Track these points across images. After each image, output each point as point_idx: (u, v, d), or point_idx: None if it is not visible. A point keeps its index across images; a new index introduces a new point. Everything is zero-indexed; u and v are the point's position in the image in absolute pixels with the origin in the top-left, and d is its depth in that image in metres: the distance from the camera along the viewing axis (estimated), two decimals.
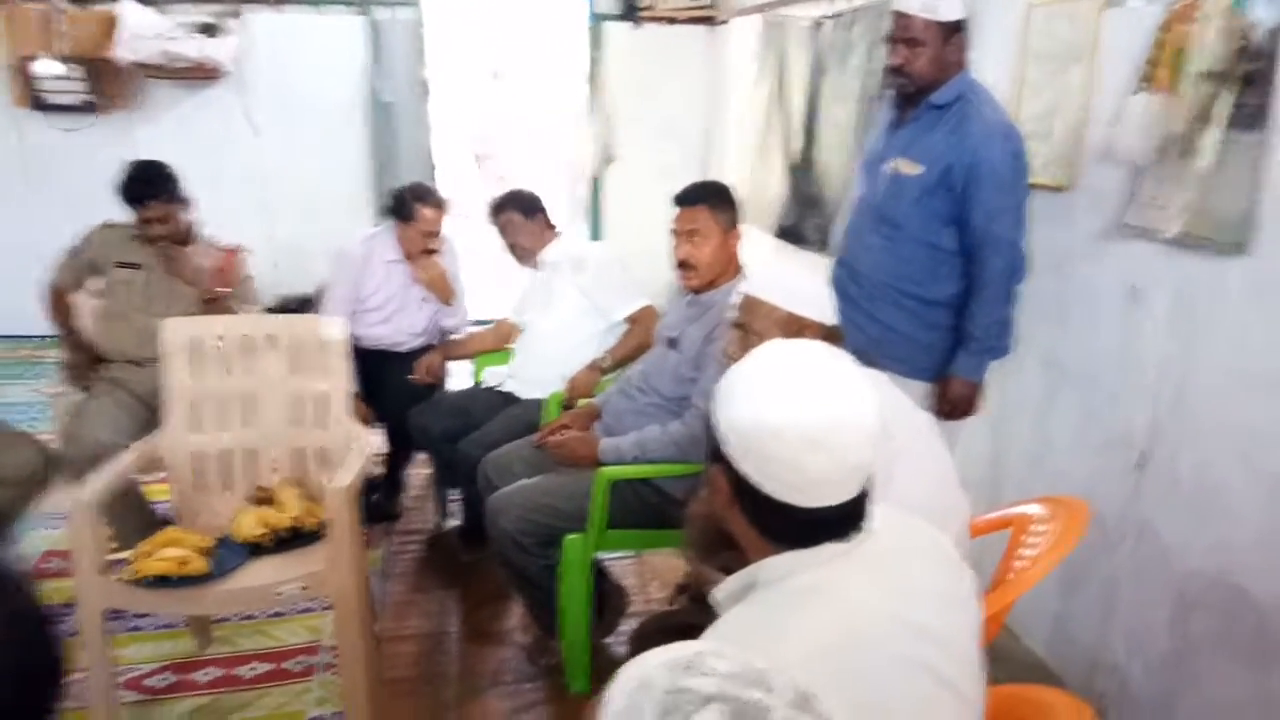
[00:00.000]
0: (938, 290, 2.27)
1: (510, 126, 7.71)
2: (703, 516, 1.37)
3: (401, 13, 5.09)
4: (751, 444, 1.05)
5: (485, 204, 3.10)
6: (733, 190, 2.36)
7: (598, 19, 5.20)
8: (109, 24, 4.75)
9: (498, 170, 7.49)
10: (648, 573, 2.91)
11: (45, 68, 4.77)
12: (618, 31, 5.20)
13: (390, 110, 5.12)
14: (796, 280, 1.77)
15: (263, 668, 2.40)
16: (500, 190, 3.13)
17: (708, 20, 5.21)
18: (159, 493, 2.81)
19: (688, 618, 1.80)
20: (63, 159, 4.95)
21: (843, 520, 1.09)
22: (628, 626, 2.55)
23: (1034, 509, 1.74)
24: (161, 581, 1.96)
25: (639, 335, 2.84)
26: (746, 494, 1.07)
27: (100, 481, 2.10)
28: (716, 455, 1.10)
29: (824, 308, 1.73)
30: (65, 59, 4.78)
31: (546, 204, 3.06)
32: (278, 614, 2.60)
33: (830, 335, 1.72)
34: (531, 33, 6.56)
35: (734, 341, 1.77)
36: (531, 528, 2.23)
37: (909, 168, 2.22)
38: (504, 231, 2.99)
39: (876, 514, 1.16)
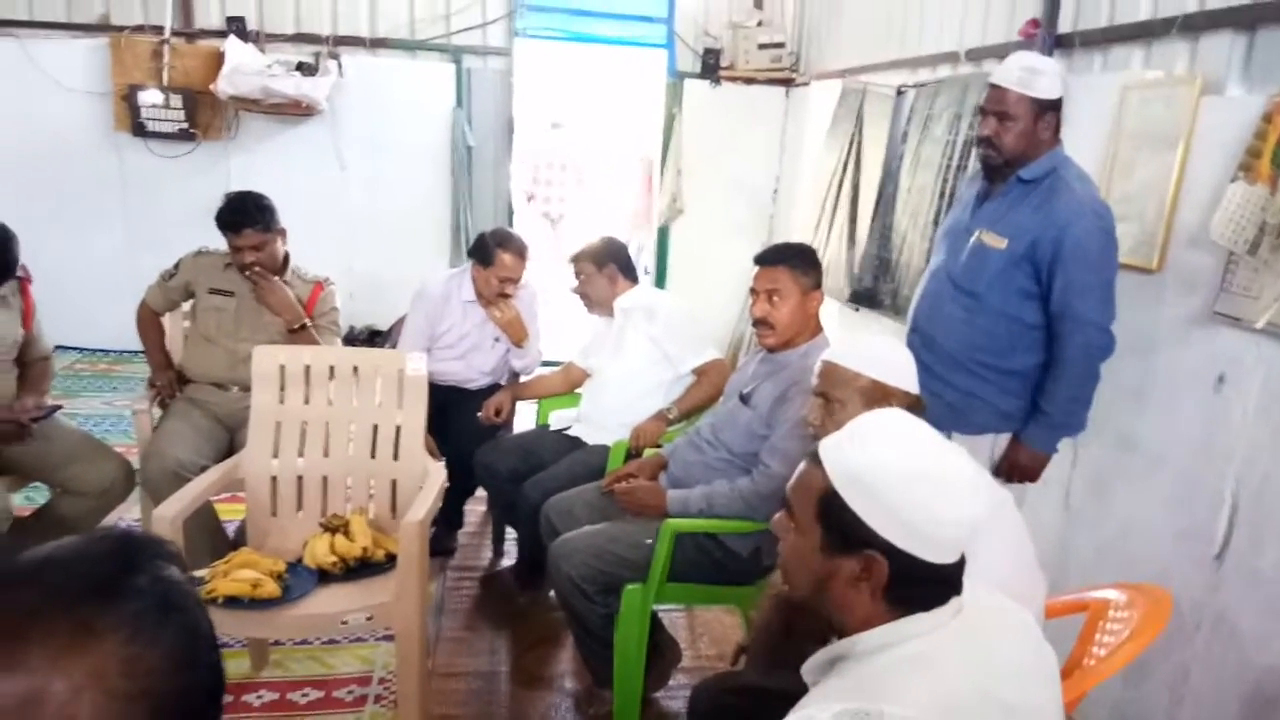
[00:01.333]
0: (1016, 361, 2.26)
1: (571, 174, 7.86)
2: (781, 612, 1.38)
3: (493, 61, 5.27)
4: (899, 510, 1.06)
5: (552, 254, 3.17)
6: (815, 253, 2.38)
7: (678, 76, 5.32)
8: (214, 59, 4.99)
9: (549, 211, 7.64)
10: (699, 627, 2.89)
11: (148, 96, 5.02)
12: (696, 89, 5.31)
13: (473, 154, 5.28)
14: (879, 348, 1.78)
15: (315, 694, 2.43)
16: (577, 240, 3.20)
17: (787, 82, 5.29)
18: (226, 512, 2.90)
19: (748, 679, 1.78)
20: (159, 184, 5.17)
21: (952, 581, 1.10)
22: (678, 681, 2.53)
23: (1113, 594, 1.70)
24: (233, 602, 2.01)
25: (707, 388, 2.86)
26: (898, 566, 1.06)
27: (182, 500, 2.17)
28: (852, 543, 1.08)
29: (907, 376, 1.74)
30: (168, 89, 5.03)
31: (626, 253, 3.10)
32: (332, 641, 2.63)
33: (914, 405, 1.73)
34: (609, 87, 6.73)
35: (815, 410, 1.77)
36: (594, 574, 2.24)
37: (994, 240, 2.22)
38: (577, 279, 3.04)
39: (966, 587, 1.16)
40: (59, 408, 2.68)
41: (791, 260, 2.31)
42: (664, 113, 5.37)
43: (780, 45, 5.16)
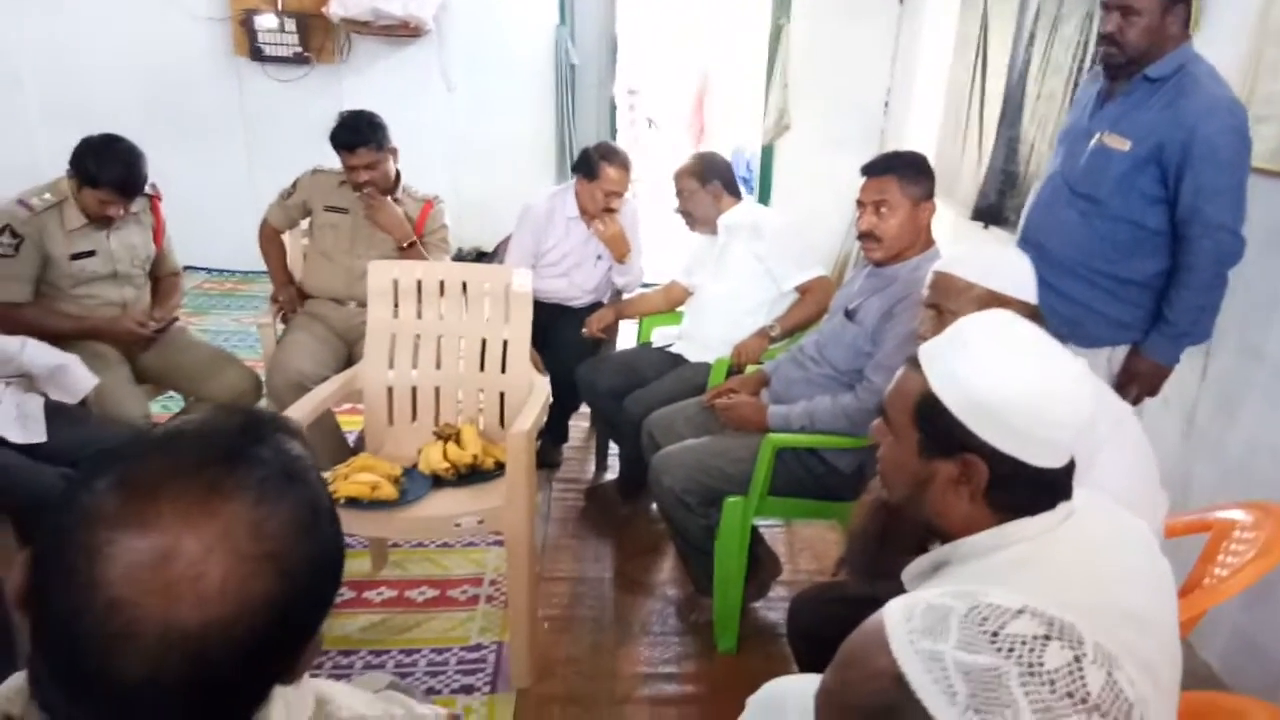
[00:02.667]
0: (1136, 269, 2.16)
1: (675, 89, 7.72)
2: (876, 520, 1.37)
3: None
4: (1001, 412, 1.04)
5: (655, 170, 3.14)
6: (927, 161, 2.29)
7: None
8: None
9: (665, 128, 7.53)
10: (798, 542, 2.91)
11: (264, 21, 5.14)
12: None
13: (576, 71, 5.24)
14: (995, 256, 1.71)
15: (431, 593, 2.57)
16: (678, 157, 3.16)
17: None
18: (347, 422, 3.04)
19: (847, 589, 1.79)
20: (277, 107, 5.32)
21: (1058, 486, 1.08)
22: (777, 593, 2.57)
23: (1238, 514, 1.63)
24: (353, 503, 2.12)
25: (810, 305, 2.82)
26: (998, 469, 1.05)
27: (304, 408, 2.29)
28: (950, 446, 1.07)
29: (1025, 284, 1.66)
30: (282, 13, 5.13)
31: (730, 170, 3.05)
32: (445, 545, 2.76)
33: (1032, 316, 1.66)
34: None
35: (926, 321, 1.73)
36: (695, 487, 2.27)
37: (1116, 142, 2.12)
38: (679, 197, 3.01)
39: (1079, 495, 1.13)
40: (175, 320, 2.85)
41: (900, 169, 2.23)
42: (770, 25, 5.19)
43: None
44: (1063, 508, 1.07)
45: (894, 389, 1.15)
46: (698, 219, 3.02)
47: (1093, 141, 2.17)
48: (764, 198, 5.45)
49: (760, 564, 2.51)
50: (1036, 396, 1.03)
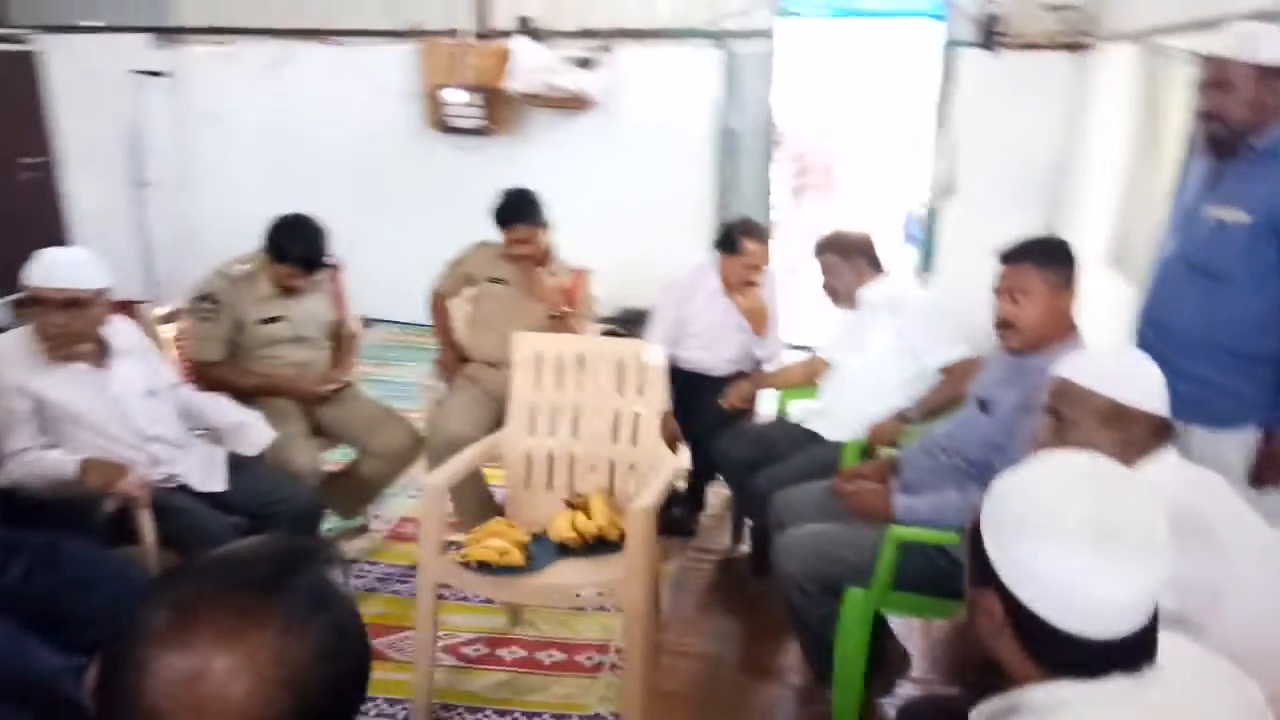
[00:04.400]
0: (1263, 344, 2.09)
1: (840, 153, 7.69)
2: (962, 638, 1.33)
3: (756, 44, 5.28)
4: (1031, 565, 1.00)
5: (810, 238, 3.15)
6: (1068, 247, 2.21)
7: (952, 45, 5.02)
8: (504, 58, 5.43)
9: (822, 195, 7.51)
10: (934, 638, 2.79)
11: (452, 95, 5.57)
12: (972, 59, 4.99)
13: (735, 138, 5.35)
14: (1121, 362, 1.63)
15: (558, 656, 2.65)
16: (825, 228, 3.16)
17: (1074, 47, 4.82)
18: (497, 477, 3.21)
19: (957, 704, 1.72)
20: (460, 174, 5.70)
21: (1130, 651, 1.01)
22: (906, 691, 2.48)
23: None
24: (483, 567, 2.25)
25: (953, 387, 2.73)
26: (1021, 619, 1.02)
27: (451, 469, 2.46)
28: (985, 578, 1.06)
29: (1152, 393, 1.57)
30: (468, 88, 5.55)
31: (872, 244, 3.03)
32: (579, 609, 2.84)
33: (1161, 429, 1.57)
34: (874, 62, 6.50)
35: (1045, 429, 1.66)
36: (815, 574, 2.25)
37: (1235, 215, 2.09)
38: (823, 271, 3.01)
39: (1169, 648, 1.07)
40: (349, 384, 3.11)
41: (1039, 256, 2.16)
42: (938, 86, 5.10)
43: (1069, 6, 4.71)
44: (1129, 678, 1.00)
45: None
46: (841, 294, 3.01)
47: (1209, 218, 2.14)
48: (927, 263, 5.32)
49: (887, 658, 2.44)
50: (1076, 560, 0.96)
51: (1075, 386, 1.60)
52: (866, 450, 2.72)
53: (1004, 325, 2.18)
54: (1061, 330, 2.17)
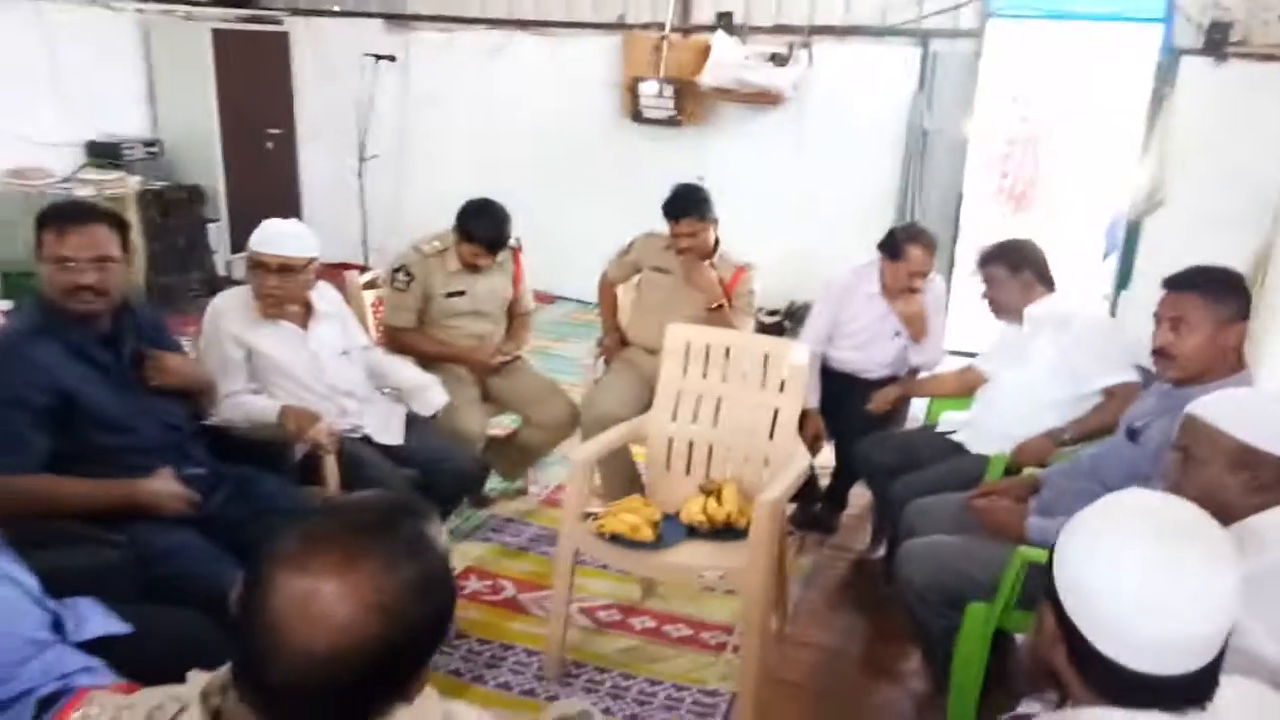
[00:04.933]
0: None
1: (1045, 160, 7.28)
2: (1032, 645, 1.35)
3: (961, 44, 5.15)
4: (1086, 591, 1.04)
5: (978, 251, 3.09)
6: (1240, 278, 2.09)
7: (1173, 53, 4.69)
8: (702, 52, 5.56)
9: (1023, 204, 7.16)
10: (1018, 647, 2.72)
11: (648, 88, 5.77)
12: (1194, 66, 4.63)
13: (929, 139, 5.23)
14: (1256, 403, 1.57)
15: (685, 631, 2.79)
16: (995, 239, 3.09)
17: None
18: (642, 457, 3.37)
19: None
20: (650, 163, 5.89)
21: (1175, 691, 1.03)
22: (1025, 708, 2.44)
23: None
24: (615, 539, 2.42)
25: (1113, 412, 2.61)
26: (1074, 639, 1.06)
27: (597, 445, 2.65)
28: (1050, 592, 1.11)
29: None
30: (663, 80, 5.72)
31: (1044, 259, 2.93)
32: (710, 589, 2.96)
33: None
34: (1084, 67, 6.12)
35: (1173, 464, 1.63)
36: (937, 585, 2.26)
37: None
38: (987, 284, 2.95)
39: (1235, 693, 1.07)
40: (519, 357, 3.36)
41: (1205, 286, 2.06)
42: (1150, 94, 4.78)
43: None
44: (1191, 713, 1.01)
45: None
46: (1003, 307, 2.94)
47: None
48: (1124, 281, 5.01)
49: (1008, 676, 2.41)
50: (1137, 608, 0.99)
51: (1205, 425, 1.56)
52: (1012, 468, 2.67)
53: (1161, 354, 2.11)
54: (1225, 365, 2.07)
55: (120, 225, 2.11)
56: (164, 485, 2.06)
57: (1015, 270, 2.88)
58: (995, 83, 5.62)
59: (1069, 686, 1.10)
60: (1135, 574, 1.00)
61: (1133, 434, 2.17)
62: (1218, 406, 1.57)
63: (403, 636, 0.86)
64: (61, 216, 2.03)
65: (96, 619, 1.58)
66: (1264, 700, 1.11)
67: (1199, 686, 1.02)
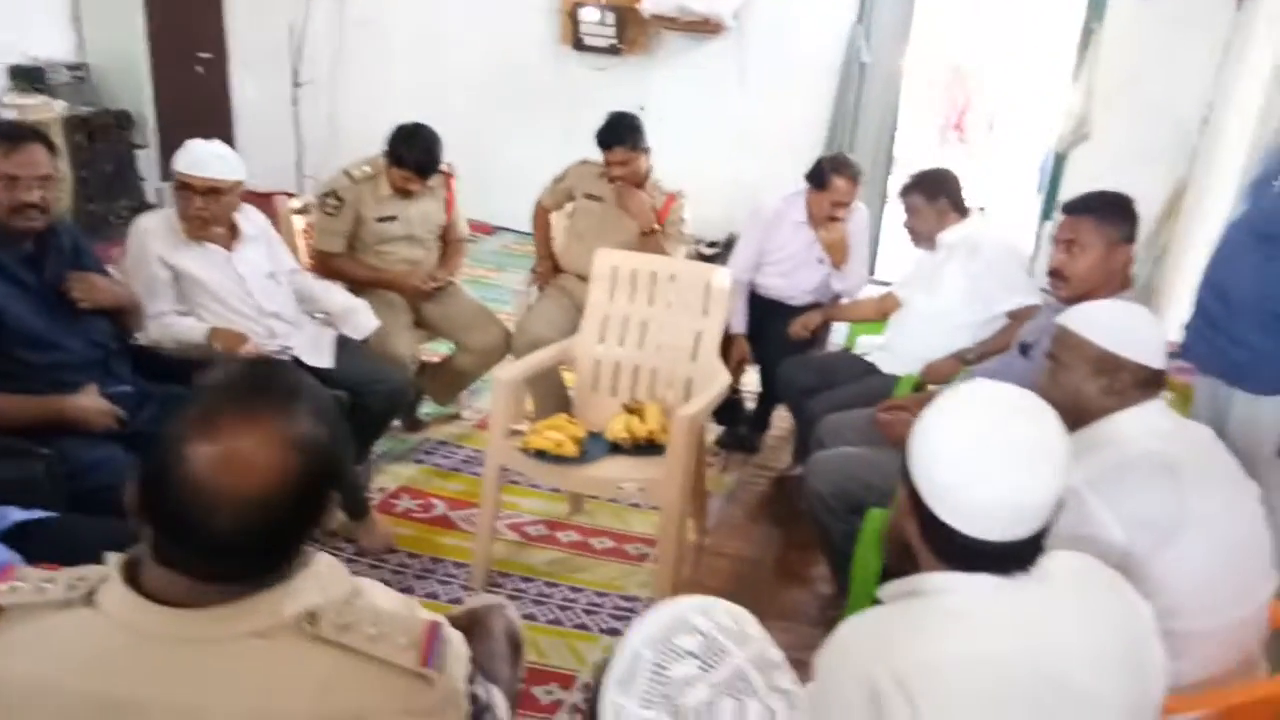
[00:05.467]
0: None
1: (979, 95, 7.38)
2: (893, 521, 1.47)
3: None
4: (929, 463, 1.16)
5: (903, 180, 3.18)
6: (1131, 203, 2.21)
7: None
8: None
9: (962, 137, 7.28)
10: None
11: (588, 14, 5.72)
12: (1123, 1, 4.73)
13: (865, 71, 5.28)
14: (1121, 315, 1.69)
15: (609, 544, 2.91)
16: (914, 169, 3.19)
17: None
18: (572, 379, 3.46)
19: None
20: (588, 92, 5.86)
21: (1003, 557, 1.15)
22: None
23: None
24: (540, 454, 2.51)
25: (1015, 332, 2.77)
26: (921, 508, 1.18)
27: (522, 367, 2.72)
28: (904, 470, 1.22)
29: (1147, 349, 1.63)
30: (603, 7, 5.67)
31: (958, 186, 3.04)
32: (635, 505, 3.08)
33: (1150, 380, 1.64)
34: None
35: (1045, 372, 1.75)
36: (840, 492, 2.39)
37: None
38: (907, 213, 3.04)
39: (1065, 562, 1.20)
40: (451, 282, 3.40)
41: (1100, 210, 2.18)
42: (1080, 28, 4.88)
43: None
44: (1017, 576, 1.14)
45: None
46: (921, 235, 3.05)
47: (1277, 184, 2.09)
48: (1049, 210, 5.17)
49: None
50: (971, 476, 1.11)
51: (1072, 334, 1.68)
52: (919, 387, 2.80)
53: (1055, 275, 2.23)
54: (1115, 284, 2.20)
55: (50, 147, 2.15)
56: (90, 401, 2.10)
57: (931, 198, 2.99)
58: (931, 15, 5.66)
59: (919, 557, 1.23)
60: (969, 444, 1.12)
61: (1024, 349, 2.30)
62: (1085, 316, 1.69)
63: (318, 462, 0.95)
64: (4, 134, 2.09)
65: (15, 513, 1.64)
66: (1089, 567, 1.24)
67: (1026, 552, 1.15)
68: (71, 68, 5.60)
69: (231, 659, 0.93)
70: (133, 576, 0.95)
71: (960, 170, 3.16)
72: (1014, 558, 1.15)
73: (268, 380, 0.98)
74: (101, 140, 5.39)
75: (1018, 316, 2.80)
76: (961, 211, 3.01)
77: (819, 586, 2.78)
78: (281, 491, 0.92)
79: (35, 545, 1.61)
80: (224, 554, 0.93)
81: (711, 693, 0.88)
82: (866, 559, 2.38)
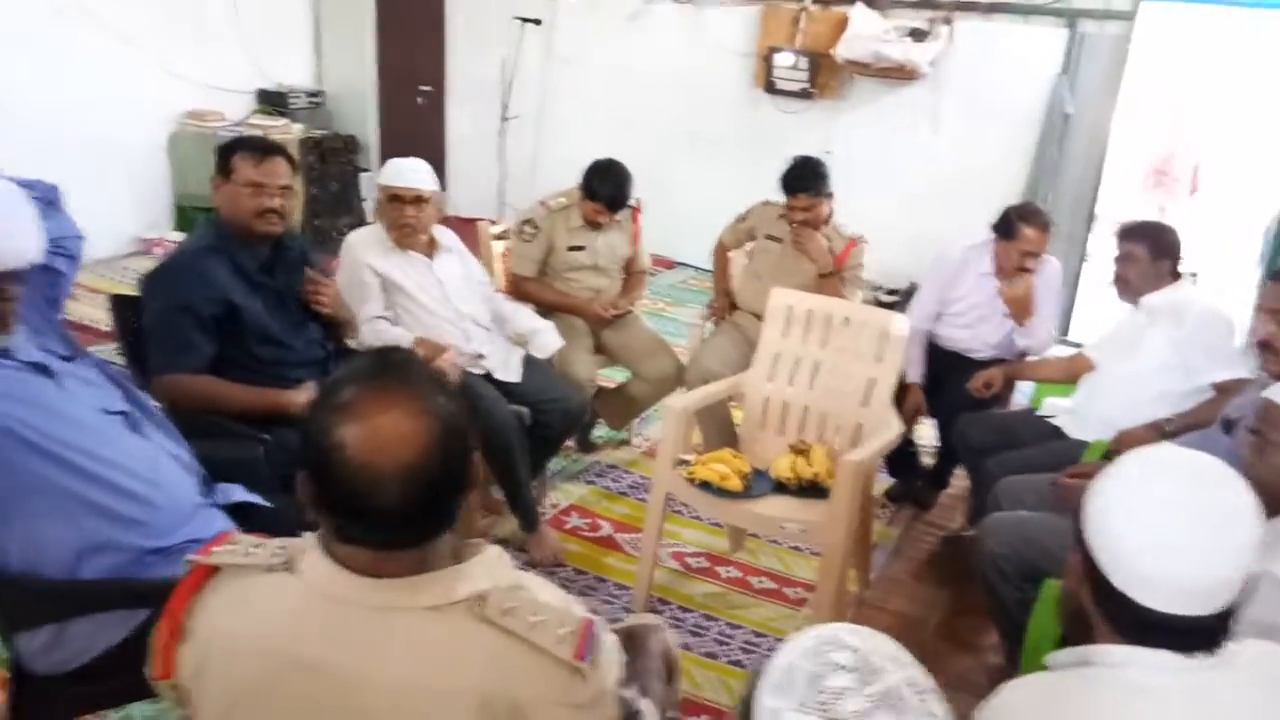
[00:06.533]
0: None
1: (1201, 153, 6.85)
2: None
3: (1110, 26, 4.96)
4: (1108, 531, 1.12)
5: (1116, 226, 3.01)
6: None
7: None
8: (839, 24, 5.55)
9: (1177, 195, 6.79)
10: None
11: (783, 59, 5.80)
12: None
13: (1069, 122, 5.08)
14: None
15: (769, 584, 2.91)
16: (1138, 217, 3.01)
17: None
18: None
19: None
20: (779, 134, 5.93)
21: (1188, 633, 1.10)
22: None
23: None
24: (705, 486, 2.56)
25: (1221, 406, 2.58)
26: (1096, 575, 1.14)
27: (694, 398, 2.79)
28: (1078, 534, 1.18)
29: None
30: (798, 52, 5.74)
31: (1180, 249, 2.83)
32: (796, 548, 3.07)
33: None
34: (1245, 57, 5.71)
35: (1247, 447, 1.64)
36: (1016, 556, 2.29)
37: None
38: (1120, 260, 2.86)
39: (1254, 649, 1.13)
40: (631, 312, 3.53)
41: None
42: None
43: None
44: (1199, 656, 1.08)
45: None
46: (1130, 287, 2.85)
47: None
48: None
49: None
50: (1157, 548, 1.06)
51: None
52: (1110, 455, 2.65)
53: (1264, 347, 2.08)
54: None
55: (292, 163, 2.43)
56: (309, 397, 2.32)
57: (1156, 256, 2.77)
58: (1146, 68, 5.36)
59: (1095, 626, 1.18)
60: (1155, 514, 1.08)
61: (1228, 425, 2.15)
62: None
63: (453, 425, 1.04)
64: (256, 147, 2.39)
65: (240, 493, 1.85)
66: (1277, 657, 1.15)
67: (1211, 631, 1.09)
68: (310, 94, 6.23)
69: (409, 630, 1.02)
70: (328, 549, 1.07)
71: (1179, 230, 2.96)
72: (1200, 635, 1.09)
73: (385, 364, 1.08)
74: (331, 161, 5.95)
75: (1225, 390, 2.60)
76: (1175, 276, 2.82)
77: (987, 656, 2.66)
78: (429, 454, 1.00)
79: (251, 526, 1.80)
80: (395, 521, 1.02)
81: (868, 704, 0.89)
82: (1044, 627, 2.27)
